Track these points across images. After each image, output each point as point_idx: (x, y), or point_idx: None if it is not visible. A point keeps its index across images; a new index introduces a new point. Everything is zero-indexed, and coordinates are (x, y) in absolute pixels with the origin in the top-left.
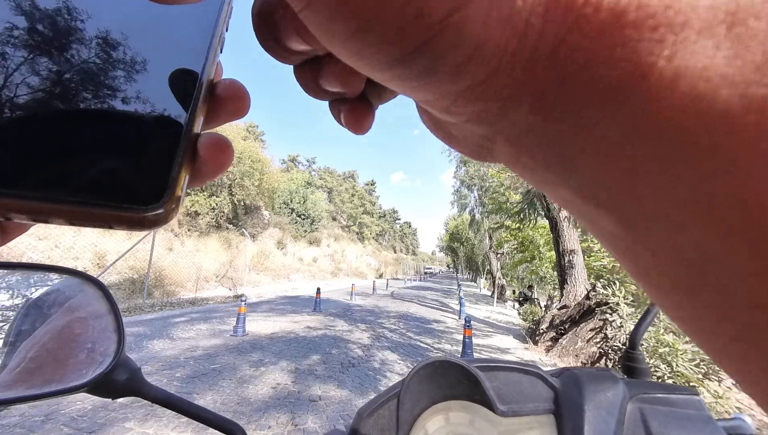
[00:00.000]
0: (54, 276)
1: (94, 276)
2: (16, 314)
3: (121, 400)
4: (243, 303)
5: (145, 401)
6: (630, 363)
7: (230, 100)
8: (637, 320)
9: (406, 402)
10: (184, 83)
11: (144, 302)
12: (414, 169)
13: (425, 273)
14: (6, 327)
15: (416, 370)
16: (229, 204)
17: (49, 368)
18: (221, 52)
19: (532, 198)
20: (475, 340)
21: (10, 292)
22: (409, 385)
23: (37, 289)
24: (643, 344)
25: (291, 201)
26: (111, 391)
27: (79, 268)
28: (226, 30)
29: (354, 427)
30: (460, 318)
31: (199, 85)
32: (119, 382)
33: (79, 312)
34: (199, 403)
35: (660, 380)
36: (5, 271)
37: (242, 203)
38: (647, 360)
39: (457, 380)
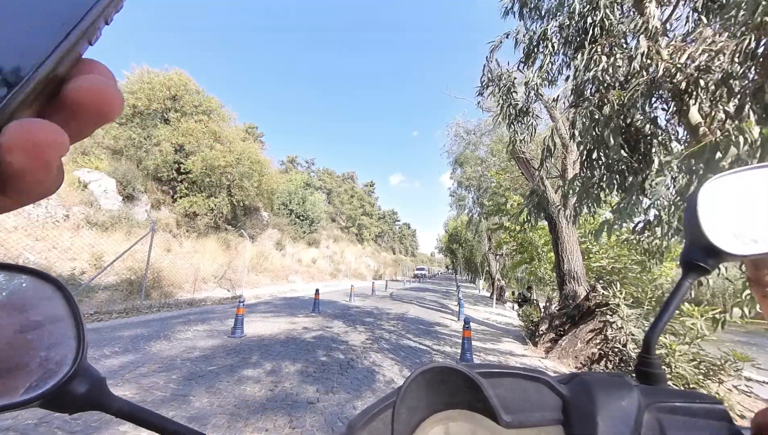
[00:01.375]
0: (3, 275)
1: (53, 275)
2: None
3: None
4: (241, 304)
5: (141, 403)
6: (644, 368)
7: (87, 104)
8: (652, 322)
9: (403, 412)
10: (11, 69)
11: (142, 303)
12: (413, 170)
13: (416, 275)
14: None
15: (413, 377)
16: (228, 205)
17: None
18: (90, 45)
19: (537, 198)
20: (474, 342)
21: None
22: (405, 393)
23: None
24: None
25: (290, 202)
26: (67, 404)
27: (77, 270)
28: (107, 23)
29: None
30: (459, 319)
31: (30, 77)
32: (77, 394)
33: (32, 315)
34: (195, 405)
35: None
36: None
37: (241, 204)
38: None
39: (457, 387)
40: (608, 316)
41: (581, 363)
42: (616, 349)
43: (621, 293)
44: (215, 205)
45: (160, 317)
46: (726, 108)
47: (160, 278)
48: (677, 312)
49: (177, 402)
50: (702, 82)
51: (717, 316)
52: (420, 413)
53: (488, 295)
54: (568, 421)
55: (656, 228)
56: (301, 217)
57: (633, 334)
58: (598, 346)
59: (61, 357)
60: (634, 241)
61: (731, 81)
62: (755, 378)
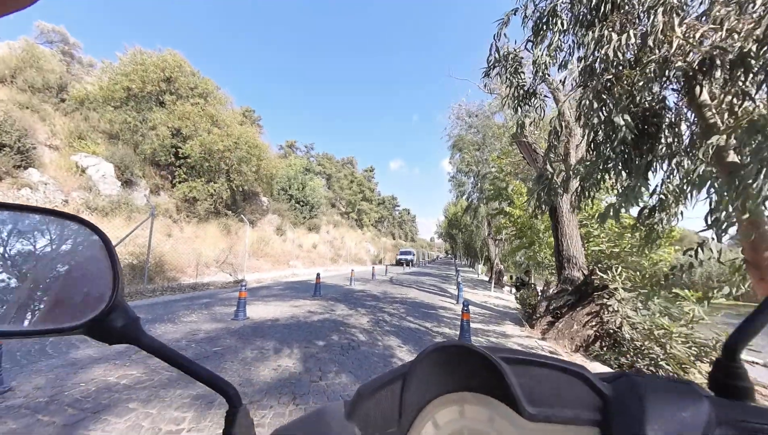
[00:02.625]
0: (53, 219)
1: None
2: (20, 255)
3: (124, 381)
4: (243, 288)
5: (149, 383)
6: (724, 378)
7: None
8: (742, 322)
9: (413, 386)
10: None
11: (145, 287)
12: (412, 156)
13: (398, 262)
14: (10, 267)
15: (427, 352)
16: (227, 190)
17: (47, 308)
18: None
19: (547, 184)
20: (472, 324)
21: (14, 233)
22: (417, 368)
23: (39, 232)
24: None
25: (289, 187)
26: (106, 335)
27: None
28: None
29: (352, 405)
30: (458, 302)
31: None
32: (115, 327)
33: (77, 257)
34: (201, 385)
35: (653, 362)
36: (6, 211)
37: (240, 189)
38: (644, 344)
39: (475, 370)
40: (605, 300)
41: (577, 345)
42: (611, 331)
43: (621, 277)
44: (215, 191)
45: (163, 301)
46: (744, 87)
47: (162, 263)
48: (675, 295)
49: (183, 381)
50: (718, 61)
51: (704, 294)
52: (432, 390)
53: (487, 279)
54: (608, 423)
55: (661, 213)
56: (301, 203)
57: (629, 316)
58: (594, 329)
59: (100, 293)
60: (639, 227)
61: (749, 59)
62: (745, 359)
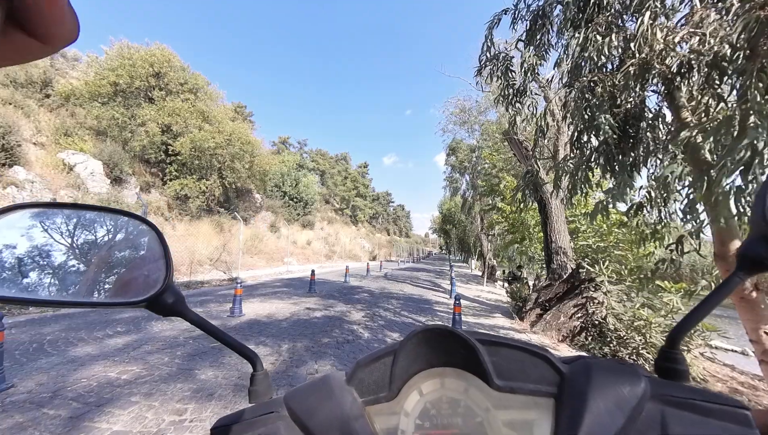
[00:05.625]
0: (114, 217)
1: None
2: (94, 243)
3: (125, 377)
4: (239, 285)
5: (149, 378)
6: (665, 363)
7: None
8: (683, 316)
9: (401, 360)
10: None
11: None
12: (406, 150)
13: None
14: (88, 252)
15: (414, 333)
16: (220, 187)
17: (119, 286)
18: None
19: (532, 179)
20: (464, 317)
21: (89, 227)
22: (405, 345)
23: (108, 226)
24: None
25: (283, 184)
26: (161, 309)
27: None
28: None
29: (351, 373)
30: (451, 297)
31: None
32: (167, 303)
33: (139, 246)
34: (201, 378)
35: (634, 350)
36: (84, 211)
37: (233, 186)
38: (626, 334)
39: (454, 349)
40: (591, 292)
41: (563, 335)
42: (596, 322)
43: (608, 270)
44: (207, 188)
45: None
46: (718, 91)
47: None
48: (657, 287)
49: (183, 375)
50: (695, 64)
51: (688, 289)
52: (418, 365)
53: (480, 274)
54: (561, 396)
55: (652, 209)
56: (295, 199)
57: (614, 308)
58: (580, 320)
59: (157, 276)
60: (631, 223)
61: (723, 63)
62: (722, 346)
